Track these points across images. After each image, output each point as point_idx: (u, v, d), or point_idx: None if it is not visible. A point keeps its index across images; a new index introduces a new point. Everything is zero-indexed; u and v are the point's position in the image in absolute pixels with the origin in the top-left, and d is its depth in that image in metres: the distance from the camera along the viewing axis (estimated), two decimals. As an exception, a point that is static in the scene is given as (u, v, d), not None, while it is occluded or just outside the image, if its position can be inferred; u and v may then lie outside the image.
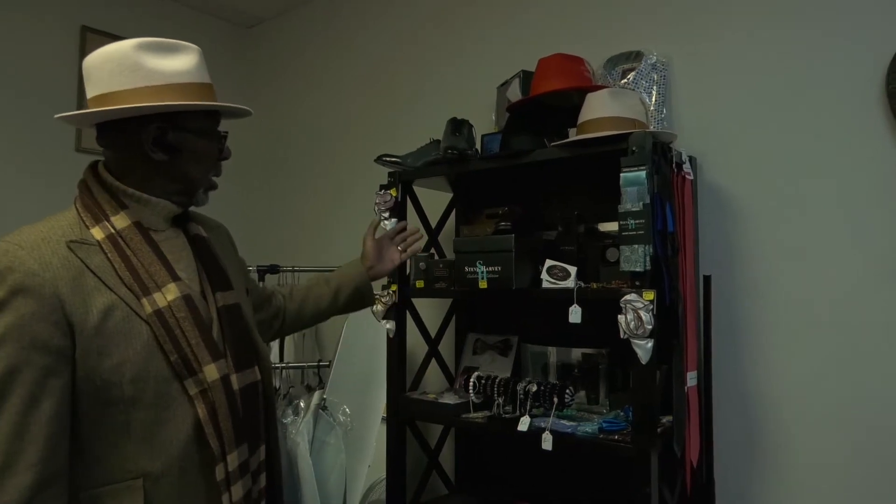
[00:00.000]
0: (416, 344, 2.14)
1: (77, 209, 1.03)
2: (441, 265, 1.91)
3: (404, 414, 1.95)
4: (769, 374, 1.69)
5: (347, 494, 2.30)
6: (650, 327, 1.42)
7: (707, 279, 1.74)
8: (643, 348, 1.44)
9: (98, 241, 1.00)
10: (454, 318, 2.22)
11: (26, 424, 0.90)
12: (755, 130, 1.75)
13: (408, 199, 2.02)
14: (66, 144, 2.66)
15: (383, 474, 2.07)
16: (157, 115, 1.01)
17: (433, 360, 2.15)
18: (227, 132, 1.12)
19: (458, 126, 1.87)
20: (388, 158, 1.97)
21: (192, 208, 1.16)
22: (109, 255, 0.99)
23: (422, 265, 1.95)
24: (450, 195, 2.23)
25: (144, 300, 0.98)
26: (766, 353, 1.70)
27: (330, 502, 2.25)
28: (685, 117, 1.86)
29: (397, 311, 1.95)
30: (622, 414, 1.66)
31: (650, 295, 1.44)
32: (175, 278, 1.02)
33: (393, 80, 2.65)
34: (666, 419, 1.57)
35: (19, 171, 2.52)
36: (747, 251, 1.74)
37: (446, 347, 2.23)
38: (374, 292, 1.96)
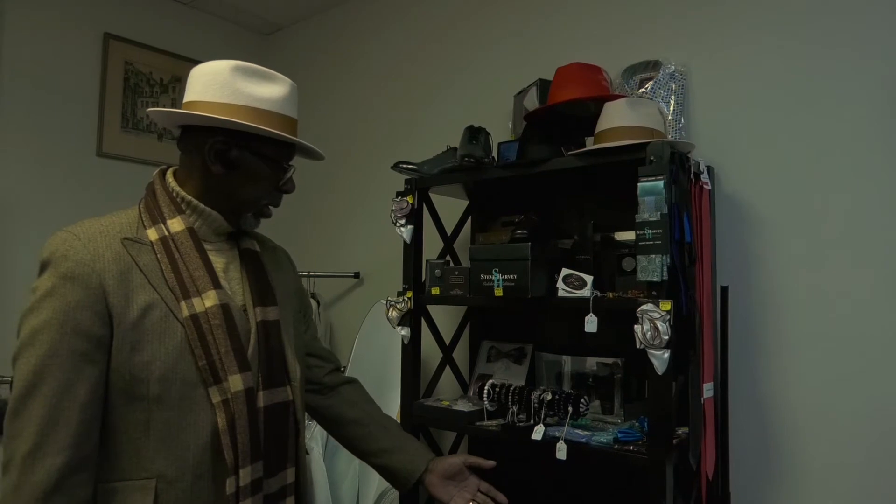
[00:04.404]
0: (430, 351, 2.14)
1: (140, 209, 1.08)
2: (457, 272, 1.91)
3: (418, 420, 1.95)
4: (786, 386, 1.67)
5: (360, 500, 2.30)
6: (666, 338, 1.41)
7: (724, 290, 1.73)
8: (659, 359, 1.43)
9: (151, 241, 1.04)
10: (469, 325, 2.22)
11: (61, 408, 0.93)
12: (774, 140, 1.73)
13: (424, 206, 2.03)
14: (88, 149, 2.70)
15: (396, 481, 2.08)
16: (225, 129, 1.05)
17: (447, 367, 2.15)
18: (294, 167, 1.15)
19: (475, 134, 1.88)
20: (404, 165, 1.98)
21: (251, 229, 1.19)
22: (159, 255, 1.03)
23: (437, 272, 1.96)
24: (466, 202, 2.24)
25: (183, 303, 1.01)
26: (783, 364, 1.68)
27: (342, 507, 2.25)
28: (703, 127, 1.86)
29: (412, 318, 1.96)
30: (637, 424, 1.65)
31: (667, 305, 1.43)
32: (217, 286, 1.04)
33: (409, 88, 2.67)
34: (681, 430, 1.56)
35: (41, 175, 2.56)
36: (765, 262, 1.73)
37: (460, 355, 2.23)
38: (390, 298, 1.98)
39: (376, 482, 2.27)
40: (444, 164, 1.94)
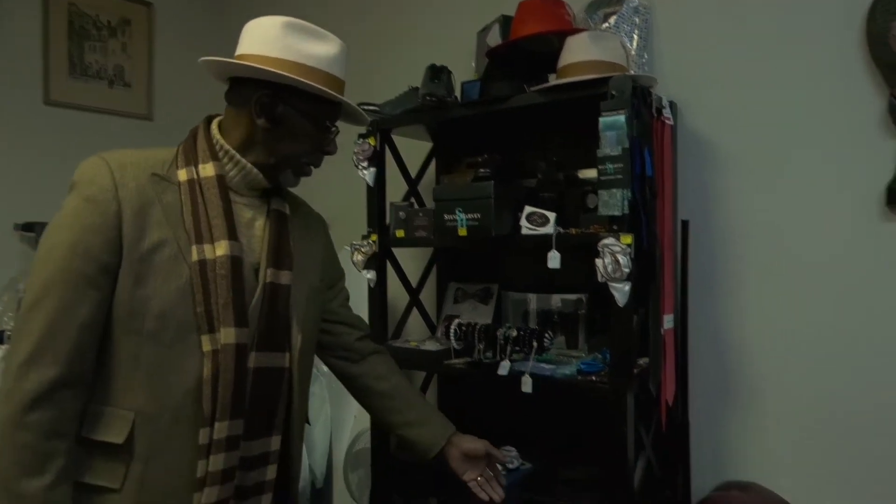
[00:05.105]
0: (397, 293, 2.15)
1: (178, 150, 1.09)
2: (421, 214, 1.90)
3: (387, 362, 1.97)
4: (744, 318, 1.73)
5: (333, 444, 2.34)
6: (627, 270, 1.43)
7: (685, 224, 1.75)
8: (620, 291, 1.45)
9: (180, 181, 1.05)
10: (435, 267, 2.23)
11: (60, 325, 0.95)
12: (736, 76, 1.73)
13: (386, 148, 2.00)
14: (34, 97, 2.58)
15: (369, 424, 2.11)
16: (272, 83, 1.05)
17: (414, 309, 2.17)
18: (338, 129, 1.16)
19: (437, 73, 1.84)
20: (365, 107, 1.94)
21: (292, 191, 1.20)
22: (183, 196, 1.04)
23: (401, 214, 1.94)
24: (429, 144, 2.21)
25: (194, 247, 1.02)
26: (742, 297, 1.73)
27: (316, 450, 2.29)
28: (666, 62, 1.85)
29: (377, 261, 1.95)
30: (600, 357, 1.69)
31: (628, 239, 1.45)
32: (231, 237, 1.04)
33: (370, 27, 2.59)
34: (643, 360, 1.60)
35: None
36: (726, 197, 1.76)
37: (428, 297, 2.24)
38: (354, 242, 1.97)
39: (350, 426, 2.31)
40: (406, 105, 1.91)
